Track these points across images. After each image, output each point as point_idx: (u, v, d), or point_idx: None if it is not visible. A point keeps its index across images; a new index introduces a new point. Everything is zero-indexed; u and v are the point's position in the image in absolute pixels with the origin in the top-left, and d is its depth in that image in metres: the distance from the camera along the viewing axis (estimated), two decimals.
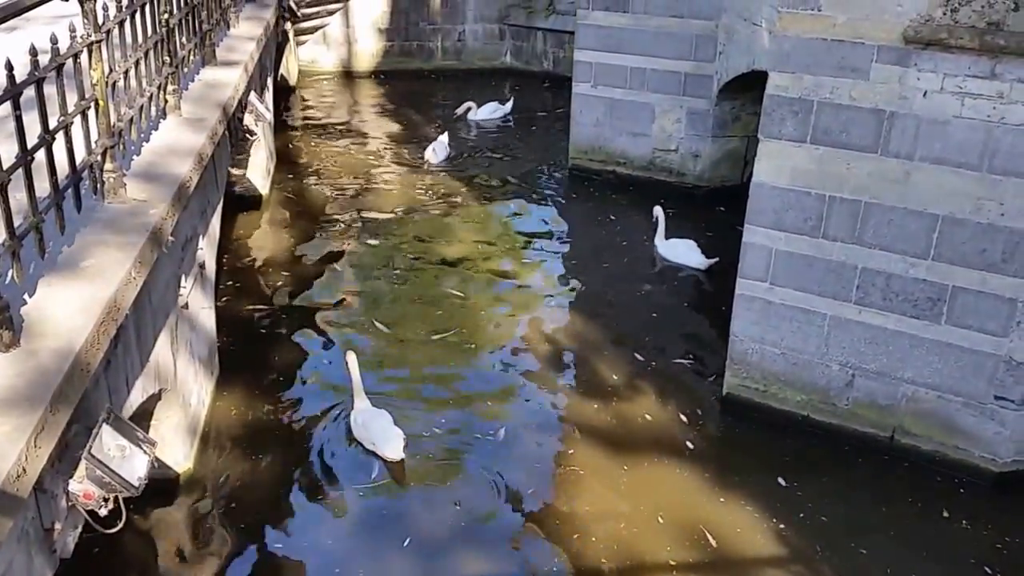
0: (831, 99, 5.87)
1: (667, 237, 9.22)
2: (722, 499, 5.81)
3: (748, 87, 9.29)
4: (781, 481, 6.01)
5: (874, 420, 6.30)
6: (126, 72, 4.75)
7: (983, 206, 5.51)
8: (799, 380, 6.51)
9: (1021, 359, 5.67)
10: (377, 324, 7.86)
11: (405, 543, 5.44)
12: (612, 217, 10.31)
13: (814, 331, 6.35)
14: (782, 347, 6.52)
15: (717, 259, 8.76)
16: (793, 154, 6.11)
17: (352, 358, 6.50)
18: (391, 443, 6.11)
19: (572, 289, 8.72)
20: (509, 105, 13.90)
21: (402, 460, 6.08)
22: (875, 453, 6.25)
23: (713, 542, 5.46)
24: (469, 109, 13.71)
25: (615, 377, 7.18)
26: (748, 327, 6.63)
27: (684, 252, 9.01)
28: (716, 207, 10.29)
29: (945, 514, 5.77)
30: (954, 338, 5.83)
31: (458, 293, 8.51)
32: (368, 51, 16.27)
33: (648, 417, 6.70)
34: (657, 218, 9.32)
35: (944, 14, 5.37)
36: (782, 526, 5.59)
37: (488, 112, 13.78)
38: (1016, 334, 5.62)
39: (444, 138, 12.22)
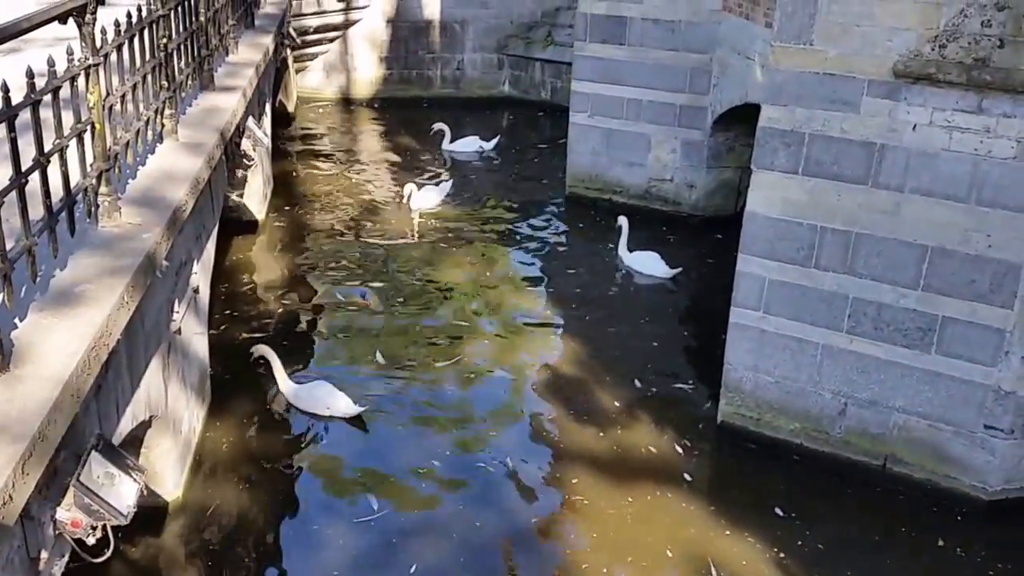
0: (822, 131, 5.95)
1: (631, 250, 9.76)
2: (727, 532, 5.78)
3: (741, 119, 9.39)
4: (778, 511, 5.99)
5: (866, 448, 6.31)
6: (123, 96, 4.77)
7: (971, 237, 5.57)
8: (792, 408, 6.52)
9: (1009, 388, 5.70)
10: (377, 354, 7.77)
11: (411, 570, 5.39)
12: (610, 245, 10.34)
13: (807, 360, 6.37)
14: (775, 375, 6.53)
15: (680, 268, 9.37)
16: (785, 185, 6.17)
17: (264, 349, 7.06)
18: (343, 401, 6.75)
19: (572, 316, 8.71)
20: (493, 143, 13.63)
21: (359, 415, 6.72)
22: (868, 481, 6.26)
23: None
24: (442, 132, 13.49)
25: (616, 404, 7.16)
26: (742, 355, 6.65)
27: (650, 263, 9.57)
28: (712, 236, 10.36)
29: (940, 542, 5.78)
30: (944, 367, 5.87)
31: (458, 323, 8.47)
32: (367, 79, 16.40)
33: (651, 447, 6.67)
34: (621, 227, 9.76)
35: (932, 50, 5.46)
36: (783, 555, 5.57)
37: (465, 145, 13.55)
38: (1004, 364, 5.65)
39: (446, 185, 11.56)
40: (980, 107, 5.38)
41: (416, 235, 10.53)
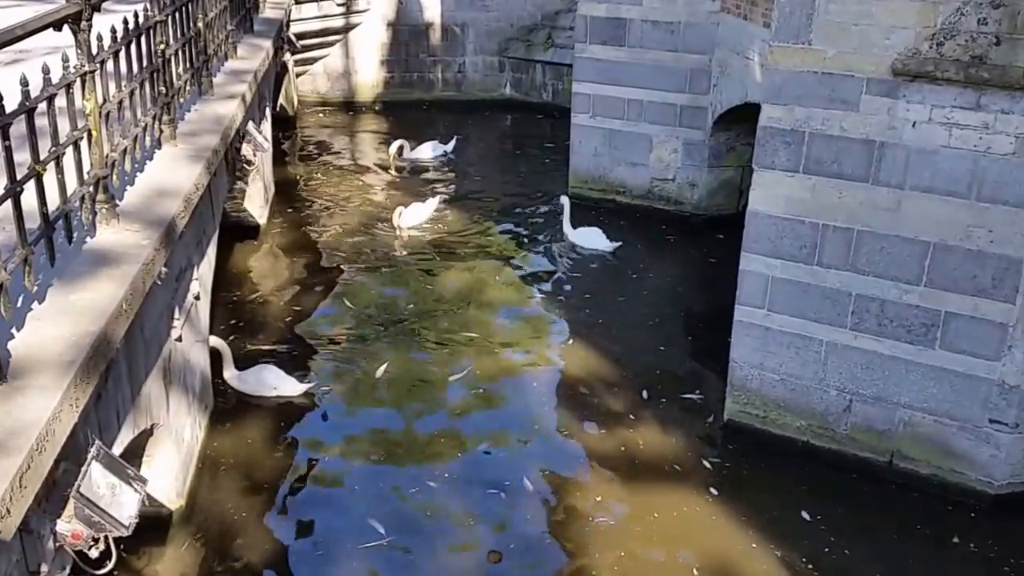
0: (822, 130, 5.94)
1: (574, 227, 10.26)
2: (755, 544, 5.67)
3: (742, 119, 9.37)
4: (805, 516, 5.93)
5: (872, 445, 6.29)
6: (120, 102, 4.76)
7: (972, 233, 5.56)
8: (798, 406, 6.51)
9: (1013, 383, 5.69)
10: (380, 367, 7.61)
11: None
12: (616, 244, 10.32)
13: (811, 357, 6.36)
14: (781, 373, 6.52)
15: (620, 243, 9.98)
16: (787, 184, 6.17)
17: (216, 341, 7.14)
18: (289, 381, 7.11)
19: (577, 321, 8.63)
20: (451, 145, 13.45)
21: (306, 392, 7.08)
22: (877, 478, 6.24)
23: None
24: (402, 148, 13.14)
25: (626, 412, 7.07)
26: (747, 353, 6.64)
27: (593, 239, 10.13)
28: (714, 235, 10.34)
29: (956, 540, 5.77)
30: (948, 363, 5.86)
31: (461, 332, 8.31)
32: (368, 82, 16.40)
33: (665, 455, 6.58)
34: (563, 206, 10.32)
35: (930, 47, 5.45)
36: (811, 566, 5.49)
37: (427, 151, 13.27)
38: (1008, 358, 5.65)
39: (433, 202, 11.06)
40: (978, 104, 5.37)
41: (409, 249, 10.27)
